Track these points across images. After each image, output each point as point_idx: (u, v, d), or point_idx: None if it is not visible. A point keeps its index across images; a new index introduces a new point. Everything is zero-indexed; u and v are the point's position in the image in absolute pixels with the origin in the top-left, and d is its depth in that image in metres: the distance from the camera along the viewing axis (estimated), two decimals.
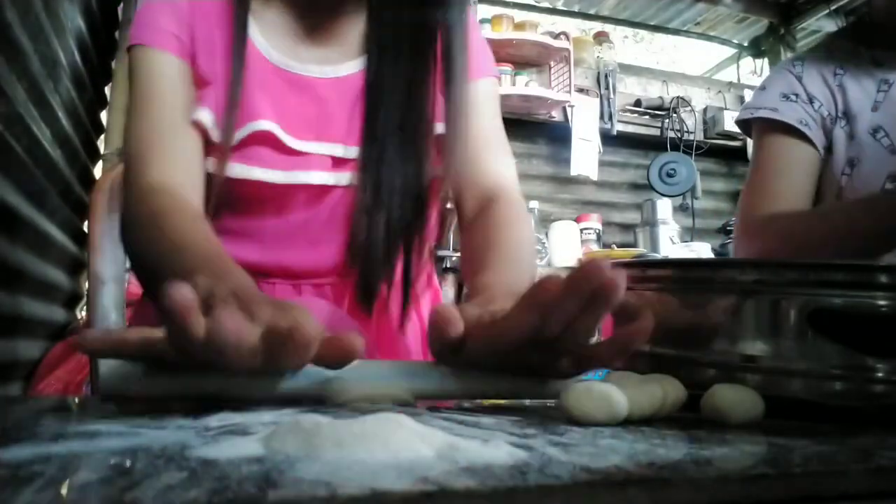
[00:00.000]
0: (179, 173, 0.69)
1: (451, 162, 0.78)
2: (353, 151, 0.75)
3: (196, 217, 0.65)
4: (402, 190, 0.73)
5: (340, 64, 0.78)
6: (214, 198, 0.73)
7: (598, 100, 2.97)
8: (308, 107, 0.76)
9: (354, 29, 0.80)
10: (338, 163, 0.75)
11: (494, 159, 0.82)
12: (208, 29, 0.75)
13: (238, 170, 0.72)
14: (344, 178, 0.75)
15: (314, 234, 0.75)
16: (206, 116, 0.71)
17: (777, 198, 1.02)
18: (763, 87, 1.11)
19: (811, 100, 1.05)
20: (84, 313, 1.56)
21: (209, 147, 0.73)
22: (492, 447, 0.31)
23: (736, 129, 3.13)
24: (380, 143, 0.74)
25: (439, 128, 0.78)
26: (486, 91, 0.84)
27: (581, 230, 2.87)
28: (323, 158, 0.75)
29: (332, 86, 0.77)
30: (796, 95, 1.05)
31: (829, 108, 1.04)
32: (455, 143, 0.76)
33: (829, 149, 1.05)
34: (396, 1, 0.76)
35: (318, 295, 0.76)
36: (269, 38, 0.77)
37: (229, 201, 0.74)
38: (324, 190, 0.75)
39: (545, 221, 2.89)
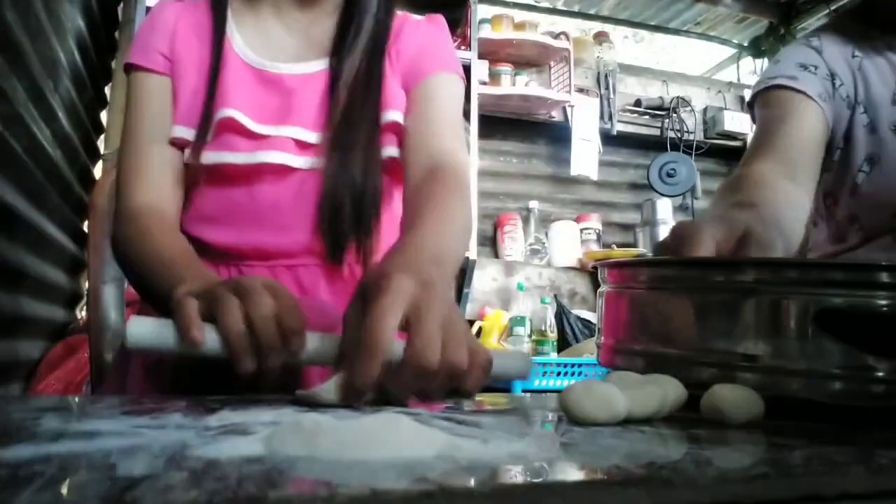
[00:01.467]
0: (159, 193, 0.80)
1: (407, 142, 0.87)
2: (314, 136, 0.82)
3: (174, 233, 0.78)
4: (363, 170, 0.80)
5: (311, 62, 0.86)
6: (192, 186, 0.82)
7: (598, 100, 2.96)
8: (274, 97, 0.84)
9: (326, 31, 0.88)
10: (302, 146, 0.81)
11: (448, 140, 0.87)
12: (192, 40, 0.84)
13: (211, 157, 0.79)
14: (309, 161, 0.81)
15: (285, 215, 0.81)
16: (181, 131, 0.81)
17: (775, 146, 0.91)
18: (778, 60, 1.00)
19: (832, 76, 0.94)
20: (84, 313, 1.56)
21: (188, 144, 0.81)
22: (492, 447, 0.31)
23: (736, 129, 3.14)
24: (340, 129, 0.81)
25: (397, 115, 0.85)
26: (445, 83, 0.90)
27: (581, 230, 2.86)
28: (285, 140, 0.81)
29: (300, 80, 0.85)
30: (815, 67, 0.94)
31: (850, 89, 0.95)
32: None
33: (848, 138, 0.95)
34: (361, 8, 0.86)
35: (292, 276, 0.81)
36: (247, 39, 0.86)
37: (205, 188, 0.81)
38: (288, 170, 0.81)
39: (545, 221, 2.89)
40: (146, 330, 0.52)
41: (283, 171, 0.81)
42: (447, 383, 0.49)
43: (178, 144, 0.81)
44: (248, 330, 0.51)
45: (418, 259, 0.60)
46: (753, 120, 1.02)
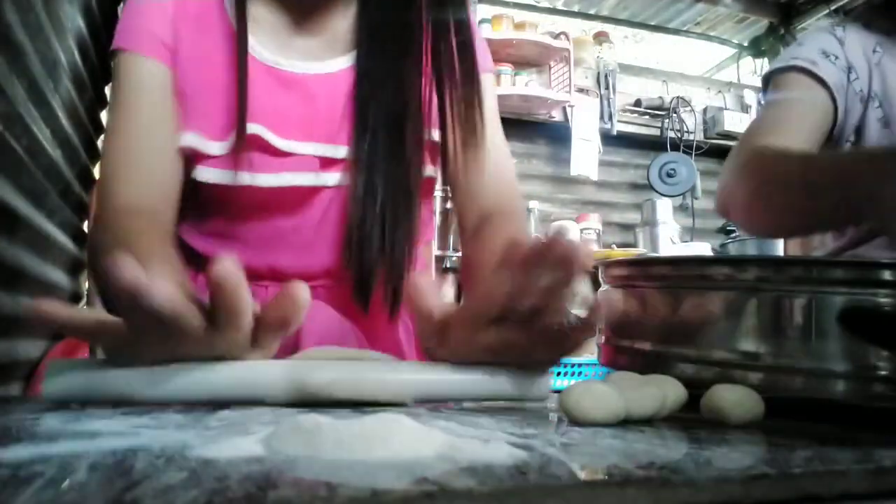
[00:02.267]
0: (151, 194, 0.70)
1: (453, 168, 0.80)
2: (342, 151, 0.74)
3: (162, 239, 0.66)
4: (394, 188, 0.72)
5: (330, 59, 0.77)
6: (203, 202, 0.74)
7: (598, 100, 2.97)
8: (297, 105, 0.75)
9: (344, 24, 0.78)
10: (326, 163, 0.74)
11: (495, 168, 0.82)
12: (195, 31, 0.74)
13: (228, 176, 0.71)
14: (333, 178, 0.74)
15: (305, 236, 0.75)
16: (193, 140, 0.71)
17: (781, 132, 0.91)
18: (800, 43, 1.01)
19: (850, 69, 0.96)
20: None
21: (200, 156, 0.72)
22: (492, 447, 0.31)
23: (736, 129, 3.14)
24: (370, 141, 0.73)
25: (433, 134, 0.78)
26: (486, 87, 0.83)
27: (581, 230, 2.86)
28: (311, 160, 0.73)
29: (321, 82, 0.76)
30: (836, 57, 0.96)
31: (864, 84, 0.96)
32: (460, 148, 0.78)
33: (859, 132, 0.97)
34: None
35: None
36: (257, 35, 0.75)
37: (218, 205, 0.74)
38: (312, 191, 0.74)
39: (545, 221, 2.89)
40: (59, 379, 0.44)
41: (308, 190, 0.74)
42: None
43: (186, 154, 0.72)
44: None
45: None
46: (763, 95, 1.03)
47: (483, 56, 0.83)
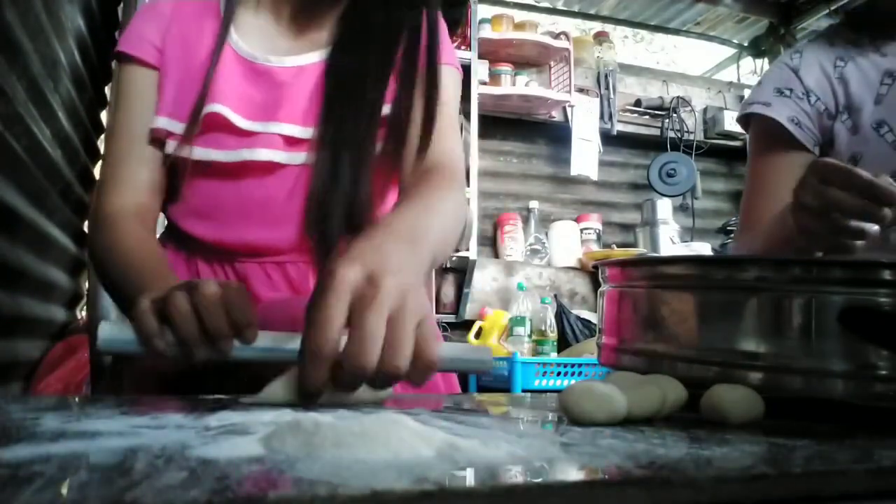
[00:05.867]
0: (137, 195, 0.80)
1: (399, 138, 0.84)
2: (308, 132, 0.80)
3: (147, 239, 0.77)
4: (355, 167, 0.78)
5: (303, 55, 0.85)
6: (182, 179, 0.81)
7: (598, 100, 2.96)
8: (263, 91, 0.82)
9: (324, 26, 0.86)
10: (291, 142, 0.80)
11: (443, 138, 0.84)
12: (186, 26, 0.83)
13: (198, 153, 0.78)
14: (299, 157, 0.80)
15: (274, 212, 0.80)
16: (165, 123, 0.79)
17: (764, 215, 0.99)
18: (760, 83, 1.09)
19: (807, 94, 1.01)
20: (84, 313, 1.56)
21: (171, 135, 0.80)
22: (492, 447, 0.31)
23: (736, 129, 3.14)
24: (334, 124, 0.79)
25: (385, 108, 0.83)
26: (447, 75, 0.88)
27: (581, 230, 2.86)
28: (271, 137, 0.79)
29: (292, 73, 0.83)
30: (790, 90, 1.02)
31: (828, 101, 1.01)
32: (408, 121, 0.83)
33: (830, 143, 1.01)
34: (365, 4, 0.83)
35: (281, 273, 0.80)
36: (241, 31, 0.84)
37: (194, 182, 0.80)
38: (276, 167, 0.79)
39: (545, 221, 2.89)
40: (114, 334, 0.55)
41: (271, 167, 0.79)
42: (389, 381, 0.45)
43: (161, 136, 0.80)
44: (197, 318, 0.52)
45: (384, 241, 0.53)
46: (745, 130, 1.11)
47: (446, 50, 0.89)
